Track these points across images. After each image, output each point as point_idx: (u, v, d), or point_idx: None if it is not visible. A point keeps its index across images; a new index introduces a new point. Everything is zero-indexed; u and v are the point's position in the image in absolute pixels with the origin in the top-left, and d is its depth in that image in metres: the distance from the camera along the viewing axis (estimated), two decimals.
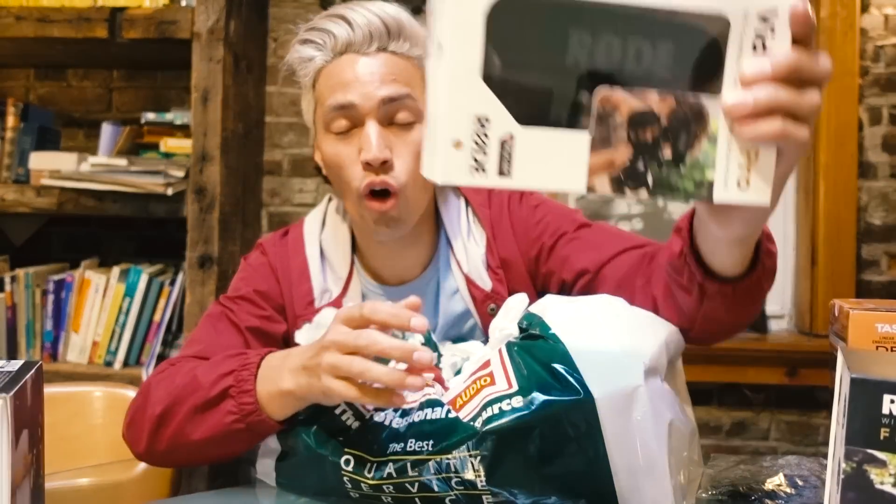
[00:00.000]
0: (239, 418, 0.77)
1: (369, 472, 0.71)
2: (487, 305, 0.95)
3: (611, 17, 0.47)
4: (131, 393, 1.29)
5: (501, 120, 0.47)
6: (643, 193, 0.50)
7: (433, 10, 0.49)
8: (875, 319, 0.71)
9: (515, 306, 0.81)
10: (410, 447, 0.70)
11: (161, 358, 1.81)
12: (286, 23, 2.08)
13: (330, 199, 1.06)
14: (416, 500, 0.70)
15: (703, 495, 0.73)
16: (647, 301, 0.80)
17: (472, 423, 0.69)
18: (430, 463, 0.69)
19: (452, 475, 0.68)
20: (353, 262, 1.00)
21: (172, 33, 1.76)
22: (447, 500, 0.69)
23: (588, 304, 0.76)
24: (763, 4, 0.48)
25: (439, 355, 0.84)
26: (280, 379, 0.75)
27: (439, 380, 0.78)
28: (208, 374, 0.80)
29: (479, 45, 0.46)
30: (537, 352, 0.71)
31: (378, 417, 0.75)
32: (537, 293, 0.96)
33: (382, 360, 0.69)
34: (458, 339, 0.95)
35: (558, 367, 0.68)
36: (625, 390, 0.66)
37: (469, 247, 0.98)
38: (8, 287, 1.83)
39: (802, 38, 0.50)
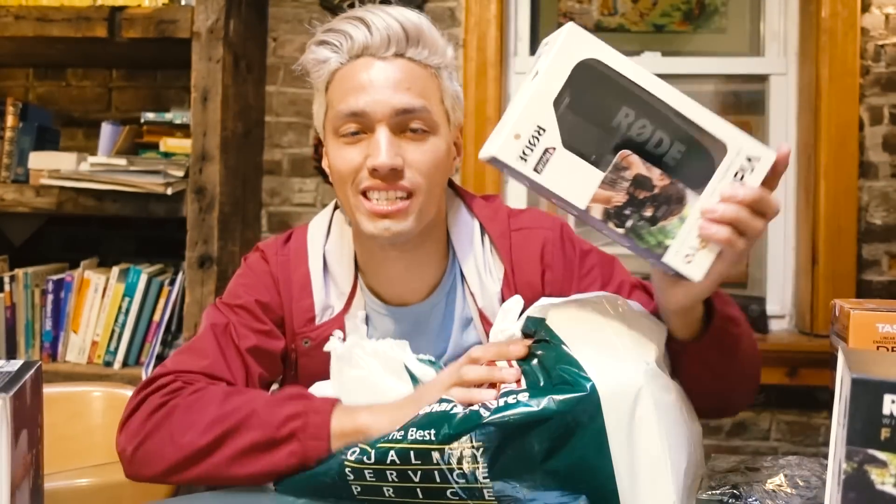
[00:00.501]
0: (300, 460, 0.75)
1: (370, 458, 0.71)
2: None
3: (653, 109, 0.66)
4: (130, 393, 1.29)
5: (552, 135, 0.65)
6: (620, 231, 0.67)
7: (544, 49, 0.68)
8: (876, 320, 0.71)
9: (512, 308, 0.82)
10: (412, 436, 0.70)
11: (160, 358, 1.81)
12: (286, 22, 2.08)
13: (336, 207, 1.02)
14: (418, 490, 0.70)
15: (704, 495, 0.73)
16: None
17: (475, 413, 0.69)
18: (434, 453, 0.69)
19: (454, 467, 0.68)
20: (356, 278, 0.96)
21: (172, 33, 1.76)
22: (448, 493, 0.69)
23: (589, 304, 0.76)
24: (753, 150, 0.66)
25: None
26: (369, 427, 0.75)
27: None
28: (271, 411, 0.76)
29: (561, 82, 0.65)
30: (543, 357, 0.71)
31: None
32: None
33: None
34: None
35: (563, 368, 0.68)
36: (628, 389, 0.67)
37: (485, 280, 0.94)
38: (7, 287, 1.83)
39: (771, 180, 0.68)
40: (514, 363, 0.74)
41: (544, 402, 0.67)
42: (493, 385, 0.73)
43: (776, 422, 1.97)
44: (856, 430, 0.45)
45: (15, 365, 0.58)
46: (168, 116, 1.86)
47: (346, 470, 0.72)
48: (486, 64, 1.99)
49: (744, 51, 2.15)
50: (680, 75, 2.14)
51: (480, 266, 0.95)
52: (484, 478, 0.68)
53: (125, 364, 1.80)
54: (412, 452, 0.69)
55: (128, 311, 1.81)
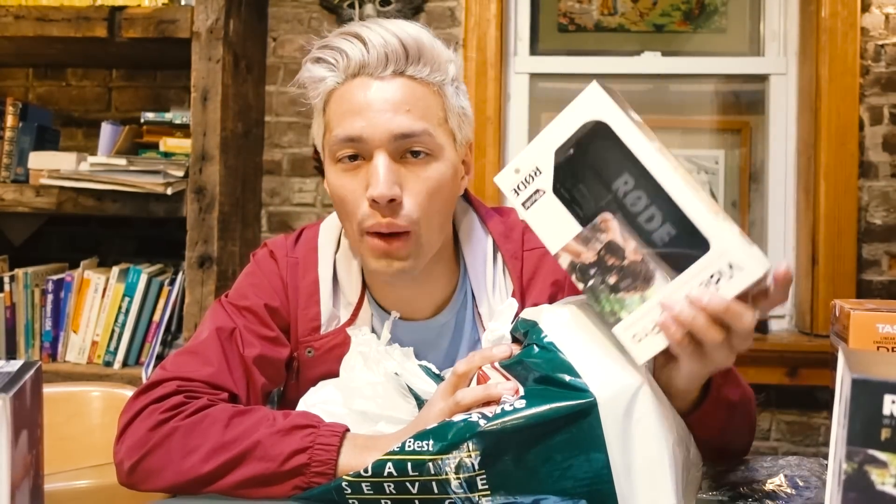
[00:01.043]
0: (304, 489, 0.73)
1: (367, 471, 0.70)
2: None
3: (653, 185, 0.64)
4: (130, 393, 1.29)
5: (545, 179, 0.68)
6: (580, 286, 0.68)
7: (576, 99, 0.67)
8: (876, 320, 0.71)
9: (505, 310, 0.83)
10: (409, 447, 0.69)
11: (160, 358, 1.81)
12: (286, 22, 2.08)
13: None
14: (416, 502, 0.70)
15: (703, 495, 0.73)
16: None
17: (472, 421, 0.68)
18: (431, 464, 0.68)
19: (452, 477, 0.68)
20: (363, 290, 0.94)
21: (172, 33, 1.76)
22: (446, 503, 0.69)
23: (583, 308, 0.76)
24: (738, 258, 0.61)
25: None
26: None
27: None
28: (276, 444, 0.74)
29: (567, 135, 0.66)
30: (537, 364, 0.71)
31: None
32: None
33: None
34: None
35: (558, 374, 0.68)
36: (625, 390, 0.66)
37: (493, 301, 0.92)
38: (7, 287, 1.83)
39: (773, 295, 0.63)
40: (510, 376, 0.74)
41: (541, 409, 0.67)
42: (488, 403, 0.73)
43: (776, 422, 1.97)
44: (856, 430, 0.45)
45: (15, 365, 0.58)
46: (168, 116, 1.86)
47: (344, 484, 0.71)
48: (485, 64, 1.99)
49: (744, 51, 2.15)
50: (680, 75, 2.14)
51: (490, 286, 0.93)
52: (483, 486, 0.68)
53: (125, 364, 1.80)
54: (409, 464, 0.69)
55: (128, 311, 1.81)
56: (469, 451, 0.67)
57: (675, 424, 0.69)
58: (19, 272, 1.84)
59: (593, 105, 0.65)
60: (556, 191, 0.67)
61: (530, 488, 0.67)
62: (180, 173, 1.76)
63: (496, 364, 0.75)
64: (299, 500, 0.74)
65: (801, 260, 2.02)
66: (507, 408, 0.68)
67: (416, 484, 0.69)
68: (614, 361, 0.68)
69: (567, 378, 0.68)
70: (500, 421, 0.67)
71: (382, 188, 0.80)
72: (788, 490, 0.74)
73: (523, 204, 0.69)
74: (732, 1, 2.16)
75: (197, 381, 0.84)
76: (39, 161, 1.84)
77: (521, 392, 0.71)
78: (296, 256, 0.95)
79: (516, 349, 0.76)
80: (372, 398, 0.83)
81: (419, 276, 0.90)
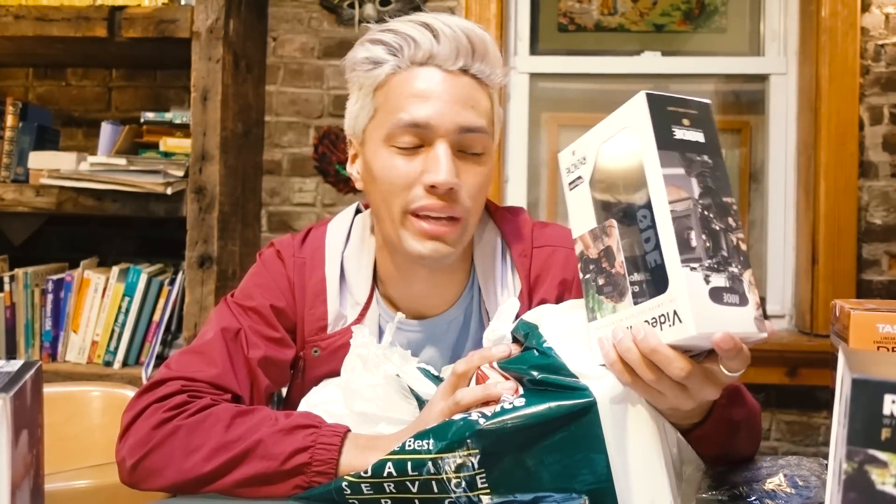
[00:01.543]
0: (304, 491, 0.73)
1: (366, 472, 0.70)
2: None
3: (652, 222, 0.62)
4: (130, 393, 1.29)
5: (587, 169, 0.70)
6: (580, 275, 0.71)
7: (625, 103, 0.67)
8: (876, 320, 0.71)
9: (507, 310, 0.82)
10: (409, 446, 0.69)
11: (160, 358, 1.81)
12: (286, 22, 2.08)
13: (357, 212, 0.99)
14: (416, 501, 0.70)
15: (703, 495, 0.73)
16: None
17: (472, 420, 0.68)
18: (431, 463, 0.68)
19: (452, 476, 0.68)
20: (373, 289, 0.94)
21: (172, 32, 1.76)
22: (446, 502, 0.69)
23: (583, 313, 0.76)
24: (682, 309, 0.58)
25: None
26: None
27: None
28: (277, 443, 0.74)
29: (611, 134, 0.67)
30: (533, 366, 0.71)
31: None
32: None
33: None
34: None
35: (555, 376, 0.68)
36: (623, 391, 0.67)
37: (500, 299, 0.92)
38: (7, 287, 1.83)
39: (724, 360, 0.60)
40: (509, 376, 0.74)
41: (541, 408, 0.67)
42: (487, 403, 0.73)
43: (776, 422, 1.98)
44: (856, 430, 0.45)
45: (15, 365, 0.58)
46: (168, 116, 1.86)
47: (343, 485, 0.71)
48: None
49: (744, 50, 2.15)
50: (680, 75, 2.14)
51: (498, 284, 0.93)
52: (482, 485, 0.68)
53: (125, 364, 1.80)
54: (409, 463, 0.69)
55: (128, 310, 1.81)
56: (469, 450, 0.67)
57: (665, 423, 0.69)
58: (19, 272, 1.84)
59: (633, 114, 0.64)
60: (590, 182, 0.69)
61: (530, 487, 0.68)
62: (180, 173, 1.76)
63: (495, 364, 0.75)
64: (299, 499, 0.74)
65: (801, 260, 2.02)
66: (507, 406, 0.68)
67: (416, 483, 0.69)
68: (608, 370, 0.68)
69: (566, 379, 0.68)
70: (499, 420, 0.67)
71: (447, 176, 0.81)
72: (788, 490, 0.73)
73: (569, 184, 0.72)
74: (732, 1, 2.16)
75: (201, 381, 0.84)
76: (39, 161, 1.84)
77: (521, 391, 0.71)
78: (303, 256, 0.94)
79: (516, 350, 0.76)
80: (372, 400, 0.83)
81: (438, 272, 0.90)
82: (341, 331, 0.91)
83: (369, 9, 2.02)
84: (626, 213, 0.65)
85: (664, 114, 0.62)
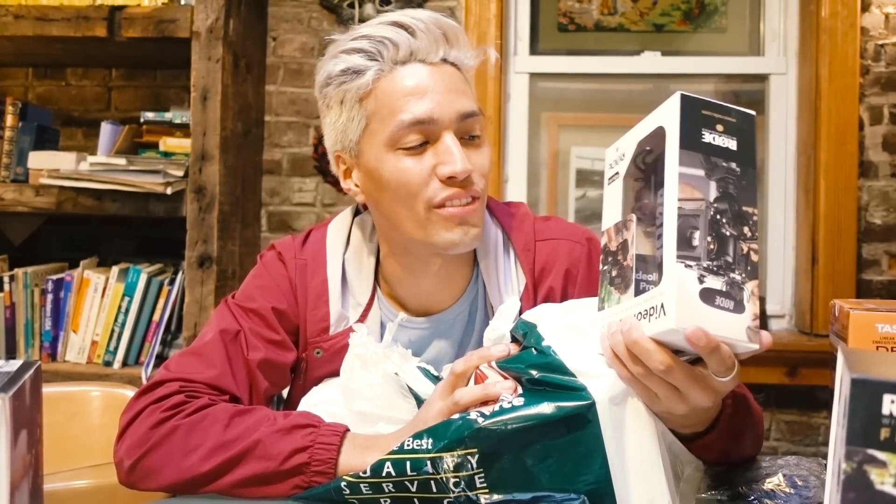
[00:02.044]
0: (304, 489, 0.73)
1: (365, 472, 0.70)
2: None
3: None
4: (130, 393, 1.29)
5: (624, 166, 0.70)
6: (600, 266, 0.73)
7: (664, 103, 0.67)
8: (875, 320, 0.71)
9: (507, 310, 0.83)
10: (408, 446, 0.70)
11: (160, 358, 1.81)
12: (286, 21, 2.08)
13: (356, 214, 0.99)
14: (416, 500, 0.70)
15: (703, 495, 0.73)
16: None
17: (470, 419, 0.68)
18: (430, 462, 0.68)
19: (451, 475, 0.68)
20: (374, 289, 0.94)
21: (171, 32, 1.76)
22: (445, 502, 0.69)
23: (582, 310, 0.76)
24: (668, 303, 0.59)
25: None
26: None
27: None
28: (276, 443, 0.74)
29: (644, 134, 0.68)
30: (532, 365, 0.71)
31: None
32: None
33: None
34: None
35: (554, 376, 0.68)
36: (622, 391, 0.67)
37: (503, 294, 0.92)
38: (7, 287, 1.83)
39: (706, 360, 0.60)
40: (508, 375, 0.74)
41: (539, 408, 0.67)
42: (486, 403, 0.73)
43: (776, 421, 1.98)
44: (855, 430, 0.45)
45: (14, 365, 0.58)
46: (168, 116, 1.86)
47: (343, 485, 0.71)
48: (485, 63, 1.98)
49: (744, 50, 2.15)
50: (680, 75, 2.14)
51: (501, 278, 0.93)
52: (481, 484, 0.68)
53: (125, 364, 1.80)
54: (408, 463, 0.69)
55: (127, 310, 1.81)
56: (467, 449, 0.67)
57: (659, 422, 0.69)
58: (19, 272, 1.84)
59: (666, 113, 0.64)
60: (624, 178, 0.70)
61: (529, 486, 0.68)
62: (180, 173, 1.76)
63: (493, 363, 0.75)
64: (299, 499, 0.74)
65: (800, 259, 2.02)
66: (506, 406, 0.68)
67: (415, 483, 0.69)
68: (609, 365, 0.68)
69: (565, 379, 0.68)
70: (498, 419, 0.67)
71: (463, 164, 0.82)
72: (787, 489, 0.74)
73: (608, 179, 0.73)
74: (732, 1, 2.16)
75: (199, 382, 0.83)
76: (39, 161, 1.84)
77: (520, 391, 0.71)
78: (304, 258, 0.94)
79: (515, 349, 0.76)
80: (371, 399, 0.83)
81: (449, 264, 0.90)
82: (343, 331, 0.91)
83: (369, 9, 2.02)
84: (648, 210, 0.65)
85: (696, 116, 0.62)
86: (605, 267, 0.71)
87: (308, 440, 0.74)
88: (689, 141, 0.61)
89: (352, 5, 2.04)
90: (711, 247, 0.59)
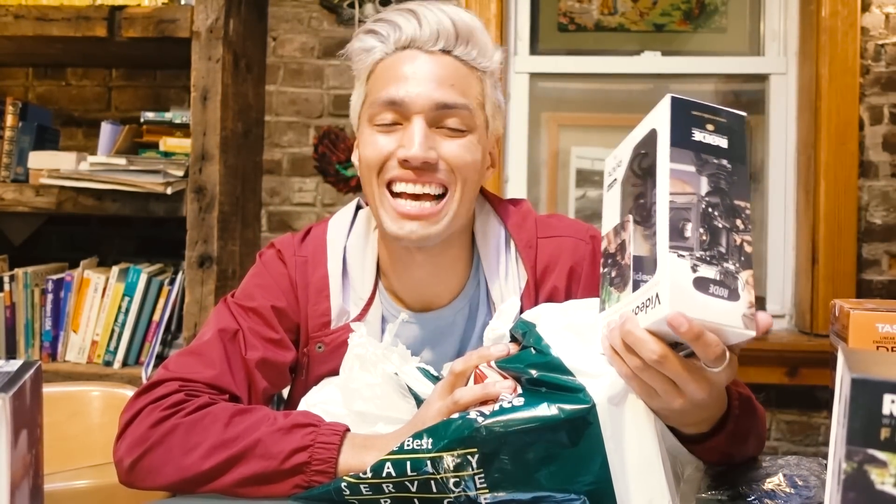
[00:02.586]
0: (305, 488, 0.73)
1: (365, 473, 0.70)
2: None
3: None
4: (130, 392, 1.29)
5: (621, 172, 0.72)
6: (601, 269, 0.74)
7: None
8: (875, 320, 0.71)
9: (507, 309, 0.83)
10: (408, 446, 0.69)
11: (160, 358, 1.81)
12: (286, 21, 2.08)
13: (359, 207, 0.99)
14: (416, 501, 0.70)
15: (703, 495, 0.73)
16: None
17: (470, 419, 0.68)
18: (430, 462, 0.68)
19: (451, 475, 0.68)
20: (376, 283, 0.94)
21: (172, 32, 1.76)
22: (445, 502, 0.69)
23: (582, 310, 0.76)
24: (663, 292, 0.60)
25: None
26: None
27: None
28: (276, 442, 0.74)
29: (639, 139, 0.69)
30: (532, 365, 0.71)
31: None
32: None
33: None
34: None
35: (554, 376, 0.68)
36: (621, 392, 0.67)
37: (505, 292, 0.92)
38: (7, 286, 1.83)
39: (699, 352, 0.60)
40: (507, 374, 0.74)
41: (539, 408, 0.67)
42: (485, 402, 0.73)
43: (776, 421, 1.98)
44: (855, 429, 0.45)
45: (15, 365, 0.58)
46: (168, 116, 1.86)
47: (343, 486, 0.71)
48: None
49: (744, 50, 2.15)
50: (680, 75, 2.14)
51: (503, 273, 0.93)
52: (481, 484, 0.68)
53: (125, 364, 1.80)
54: (408, 463, 0.69)
55: (128, 310, 1.81)
56: (467, 449, 0.67)
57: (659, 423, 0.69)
58: (19, 272, 1.84)
59: (658, 115, 0.66)
60: (622, 183, 0.72)
61: (529, 486, 0.68)
62: (180, 173, 1.76)
63: (493, 363, 0.75)
64: (299, 499, 0.74)
65: (801, 259, 2.02)
66: (506, 405, 0.68)
67: (415, 483, 0.69)
68: (610, 364, 0.68)
69: (564, 379, 0.68)
70: (498, 419, 0.67)
71: (418, 150, 0.83)
72: (787, 489, 0.74)
73: (607, 186, 0.75)
74: (732, 1, 2.16)
75: (198, 382, 0.83)
76: (39, 161, 1.84)
77: (519, 390, 0.71)
78: (304, 255, 0.94)
79: (514, 349, 0.76)
80: (370, 399, 0.83)
81: (437, 259, 0.90)
82: (344, 326, 0.91)
83: (369, 8, 2.02)
84: (645, 211, 0.66)
85: (687, 116, 0.64)
86: (606, 269, 0.72)
87: (308, 439, 0.74)
88: (680, 139, 0.63)
89: (352, 5, 2.04)
90: (704, 238, 0.61)
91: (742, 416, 0.74)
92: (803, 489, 0.73)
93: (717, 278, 0.60)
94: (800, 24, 2.05)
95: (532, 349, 0.72)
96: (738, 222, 0.62)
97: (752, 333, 0.60)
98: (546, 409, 0.67)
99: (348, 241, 0.95)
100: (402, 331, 0.92)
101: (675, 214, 0.61)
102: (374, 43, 0.88)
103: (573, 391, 0.67)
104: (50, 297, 1.84)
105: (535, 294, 0.91)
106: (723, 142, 0.64)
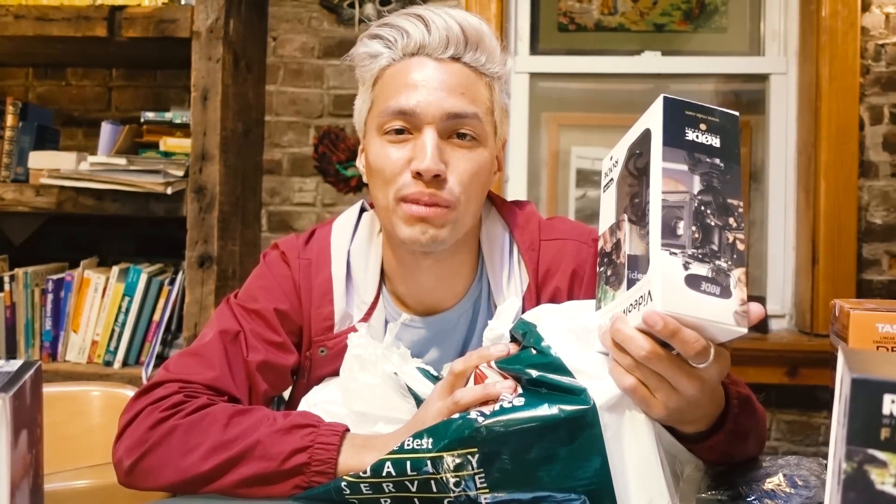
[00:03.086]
0: (304, 489, 0.73)
1: (365, 472, 0.70)
2: None
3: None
4: (130, 392, 1.29)
5: (617, 171, 0.73)
6: (598, 268, 0.75)
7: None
8: (876, 320, 0.71)
9: (507, 310, 0.83)
10: (408, 445, 0.70)
11: (160, 358, 1.81)
12: (286, 21, 2.08)
13: (363, 210, 0.98)
14: (416, 500, 0.70)
15: (703, 495, 0.73)
16: None
17: (470, 419, 0.68)
18: (430, 462, 0.68)
19: (451, 475, 0.68)
20: (380, 287, 0.93)
21: (172, 32, 1.76)
22: (445, 502, 0.69)
23: (582, 311, 0.76)
24: (654, 289, 0.61)
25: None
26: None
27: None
28: (276, 443, 0.74)
29: (633, 138, 0.70)
30: (532, 366, 0.71)
31: None
32: None
33: None
34: None
35: (554, 376, 0.68)
36: (622, 392, 0.66)
37: (507, 294, 0.92)
38: (7, 286, 1.83)
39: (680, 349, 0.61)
40: (507, 375, 0.74)
41: (540, 409, 0.67)
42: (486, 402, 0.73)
43: (776, 421, 1.97)
44: (856, 429, 0.45)
45: (15, 365, 0.58)
46: (168, 116, 1.86)
47: (343, 485, 0.71)
48: None
49: (744, 50, 2.15)
50: (680, 75, 2.14)
51: (505, 278, 0.92)
52: (481, 484, 0.68)
53: (125, 364, 1.80)
54: (408, 463, 0.69)
55: (128, 310, 1.81)
56: (468, 449, 0.67)
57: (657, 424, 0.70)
58: (19, 272, 1.84)
59: (651, 116, 0.67)
60: (618, 183, 0.72)
61: (530, 486, 0.67)
62: (180, 173, 1.76)
63: (493, 363, 0.75)
64: (299, 499, 0.74)
65: (801, 259, 2.02)
66: (506, 405, 0.68)
67: (416, 483, 0.69)
68: (609, 364, 0.68)
69: (564, 380, 0.68)
70: (498, 419, 0.67)
71: (430, 163, 0.81)
72: (787, 489, 0.73)
73: (603, 186, 0.75)
74: (732, 1, 2.16)
75: (198, 383, 0.83)
76: (39, 160, 1.84)
77: (520, 390, 0.71)
78: (308, 257, 0.94)
79: (514, 349, 0.76)
80: (370, 399, 0.83)
81: (443, 265, 0.90)
82: (347, 330, 0.91)
83: (369, 8, 2.02)
84: (640, 210, 0.66)
85: (679, 116, 0.65)
86: (602, 268, 0.72)
87: (308, 440, 0.74)
88: (672, 138, 0.64)
89: (352, 5, 2.04)
90: (696, 236, 0.61)
91: (741, 415, 0.74)
92: (803, 489, 0.73)
93: (709, 276, 0.61)
94: (800, 24, 2.05)
95: (532, 350, 0.72)
96: (731, 220, 0.63)
97: (744, 330, 0.60)
98: (547, 410, 0.67)
99: (352, 245, 0.94)
100: (404, 333, 0.92)
101: (667, 213, 0.62)
102: (380, 49, 0.87)
103: (574, 392, 0.67)
104: (50, 297, 1.84)
105: (535, 296, 0.91)
106: (715, 141, 0.65)
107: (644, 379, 0.64)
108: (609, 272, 0.70)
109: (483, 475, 0.68)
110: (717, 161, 0.64)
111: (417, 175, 0.82)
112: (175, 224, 1.84)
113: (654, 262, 0.61)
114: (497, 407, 0.68)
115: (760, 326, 1.98)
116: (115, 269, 1.83)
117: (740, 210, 0.63)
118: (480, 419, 0.68)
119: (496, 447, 0.67)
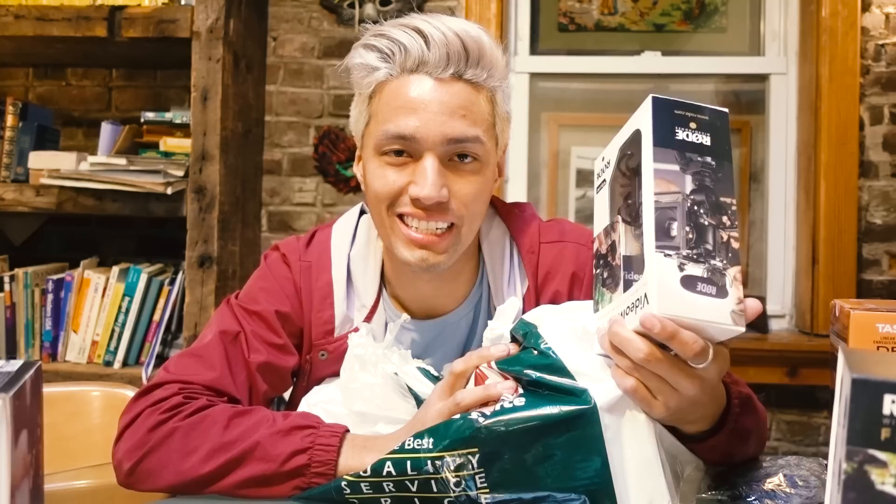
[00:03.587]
0: (304, 490, 0.73)
1: (366, 471, 0.70)
2: None
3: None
4: (130, 393, 1.29)
5: (609, 172, 0.73)
6: (594, 270, 0.75)
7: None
8: (876, 320, 0.71)
9: (507, 310, 0.82)
10: (408, 445, 0.70)
11: (160, 358, 1.81)
12: (286, 21, 2.08)
13: (362, 212, 0.98)
14: (416, 500, 0.70)
15: (703, 495, 0.73)
16: None
17: (471, 419, 0.68)
18: (430, 462, 0.68)
19: (452, 475, 0.68)
20: (380, 291, 0.93)
21: (172, 32, 1.76)
22: (446, 501, 0.69)
23: (582, 314, 0.76)
24: (651, 291, 0.61)
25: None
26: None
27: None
28: (276, 444, 0.74)
29: (625, 139, 0.70)
30: (532, 366, 0.71)
31: None
32: None
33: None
34: None
35: (554, 377, 0.68)
36: (621, 393, 0.67)
37: (507, 297, 0.92)
38: (7, 286, 1.83)
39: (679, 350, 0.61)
40: (507, 375, 0.74)
41: (540, 409, 0.67)
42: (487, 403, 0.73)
43: (776, 421, 1.97)
44: (856, 430, 0.45)
45: (15, 365, 0.58)
46: (168, 116, 1.86)
47: (343, 484, 0.71)
48: None
49: (744, 50, 2.15)
50: (680, 75, 2.14)
51: (505, 281, 0.92)
52: (482, 484, 0.68)
53: (125, 364, 1.80)
54: (409, 463, 0.69)
55: (128, 310, 1.81)
56: (468, 449, 0.67)
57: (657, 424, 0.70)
58: (19, 272, 1.84)
59: (641, 116, 0.67)
60: (610, 184, 0.72)
61: (530, 486, 0.67)
62: (180, 173, 1.76)
63: (493, 363, 0.75)
64: (299, 499, 0.74)
65: (801, 259, 2.02)
66: (507, 405, 0.68)
67: (416, 483, 0.69)
68: (610, 365, 0.68)
69: (565, 381, 0.68)
70: (499, 419, 0.67)
71: (431, 191, 0.80)
72: (788, 489, 0.73)
73: (596, 188, 0.75)
74: (732, 1, 2.16)
75: (198, 384, 0.83)
76: (39, 161, 1.84)
77: (520, 390, 0.71)
78: (308, 260, 0.94)
79: (514, 349, 0.76)
80: (370, 399, 0.83)
81: (445, 274, 0.89)
82: (347, 333, 0.91)
83: (369, 9, 2.02)
84: (634, 211, 0.66)
85: (669, 115, 0.65)
86: (598, 270, 0.72)
87: (308, 441, 0.74)
88: (663, 139, 0.64)
89: (352, 5, 2.04)
90: (690, 236, 0.61)
91: (742, 415, 0.74)
92: (803, 489, 0.73)
93: (705, 276, 0.60)
94: (800, 24, 2.05)
95: (533, 350, 0.72)
96: (724, 219, 0.62)
97: (742, 329, 0.60)
98: (547, 410, 0.67)
99: (352, 250, 0.94)
100: (404, 336, 0.92)
101: (660, 214, 0.62)
102: (377, 62, 0.84)
103: (574, 393, 0.67)
104: (50, 297, 1.84)
105: (535, 298, 0.91)
106: (706, 139, 0.65)
107: (644, 380, 0.64)
108: (605, 274, 0.70)
109: (483, 475, 0.68)
110: (709, 159, 0.64)
111: (417, 201, 0.82)
112: (175, 224, 1.84)
113: (649, 264, 0.61)
114: (498, 407, 0.68)
115: (760, 326, 1.98)
116: (115, 270, 1.83)
117: (734, 208, 0.63)
118: (481, 419, 0.68)
119: (497, 447, 0.67)
